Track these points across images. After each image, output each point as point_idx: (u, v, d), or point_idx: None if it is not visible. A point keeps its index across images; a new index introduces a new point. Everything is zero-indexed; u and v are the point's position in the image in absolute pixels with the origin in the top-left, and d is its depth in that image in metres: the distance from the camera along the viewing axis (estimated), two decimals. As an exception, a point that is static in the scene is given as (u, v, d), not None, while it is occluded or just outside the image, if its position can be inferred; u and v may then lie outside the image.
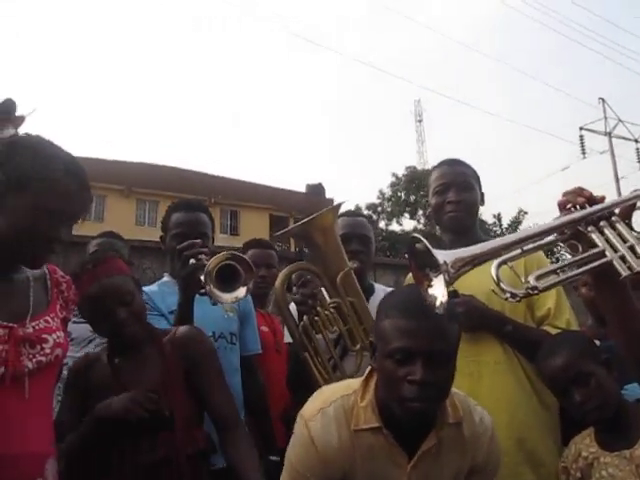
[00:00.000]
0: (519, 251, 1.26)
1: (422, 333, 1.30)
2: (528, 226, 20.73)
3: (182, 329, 1.78)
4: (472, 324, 1.82)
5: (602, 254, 1.24)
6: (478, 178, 2.11)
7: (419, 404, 1.29)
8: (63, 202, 1.28)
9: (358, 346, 1.85)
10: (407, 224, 24.39)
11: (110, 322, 1.63)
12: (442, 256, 1.18)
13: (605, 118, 20.09)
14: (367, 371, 1.48)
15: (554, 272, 1.27)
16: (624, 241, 1.24)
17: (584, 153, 20.76)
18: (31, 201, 1.25)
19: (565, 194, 1.32)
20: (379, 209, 24.52)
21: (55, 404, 1.57)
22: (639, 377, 1.50)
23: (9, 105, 1.64)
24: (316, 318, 1.82)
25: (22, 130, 1.50)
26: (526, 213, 22.25)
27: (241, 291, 1.75)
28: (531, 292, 1.23)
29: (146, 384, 1.61)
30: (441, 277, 1.17)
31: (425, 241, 1.25)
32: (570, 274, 1.27)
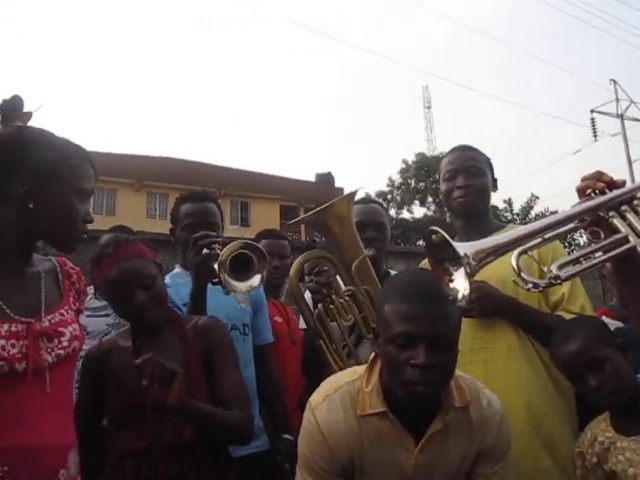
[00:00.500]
0: (539, 240, 1.24)
1: (424, 317, 1.31)
2: (540, 211, 20.62)
3: (205, 318, 1.80)
4: (485, 310, 1.82)
5: (625, 240, 1.21)
6: (490, 164, 2.10)
7: (422, 388, 1.30)
8: (87, 182, 1.37)
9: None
10: (417, 211, 24.32)
11: (130, 306, 1.65)
12: (462, 248, 1.17)
13: (617, 100, 19.86)
14: (371, 356, 1.49)
15: (576, 260, 1.25)
16: (647, 226, 1.20)
17: (595, 136, 20.55)
18: (67, 188, 1.30)
19: (584, 179, 1.29)
20: (389, 197, 24.43)
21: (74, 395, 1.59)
22: None
23: (16, 102, 1.66)
24: (331, 306, 1.83)
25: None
26: (537, 198, 22.09)
27: (255, 279, 1.76)
28: (554, 282, 1.20)
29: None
30: (462, 270, 1.16)
31: (444, 233, 1.24)
32: (592, 262, 1.23)
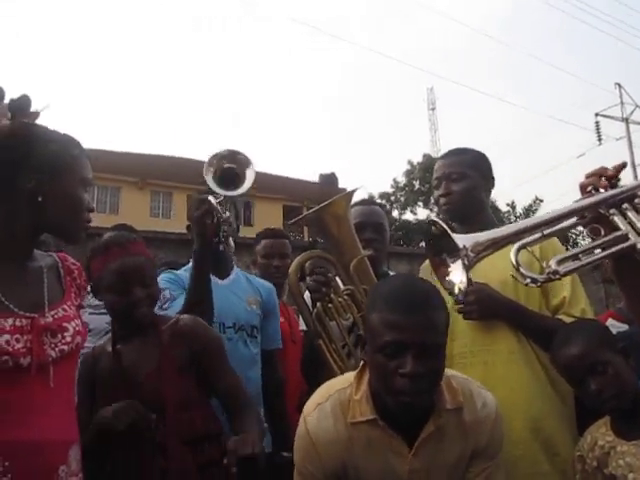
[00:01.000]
0: (539, 235, 1.24)
1: (411, 326, 1.29)
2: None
3: (185, 318, 1.81)
4: (485, 312, 1.80)
5: (625, 237, 1.21)
6: (478, 164, 2.05)
7: (411, 398, 1.29)
8: (88, 171, 1.40)
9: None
10: (421, 213, 24.29)
11: (126, 299, 1.67)
12: (461, 240, 1.16)
13: (622, 103, 19.81)
14: (361, 364, 1.49)
15: (575, 257, 1.25)
16: (648, 224, 1.20)
17: (600, 140, 20.49)
18: (72, 178, 1.33)
19: (588, 175, 1.29)
20: (392, 198, 24.41)
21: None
22: None
23: (24, 101, 1.66)
24: (329, 305, 1.82)
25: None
26: (542, 201, 22.04)
27: (243, 188, 1.91)
28: (552, 277, 1.21)
29: (143, 369, 1.66)
30: (459, 262, 1.16)
31: (444, 225, 1.24)
32: (591, 258, 1.24)
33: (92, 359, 1.76)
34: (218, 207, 1.94)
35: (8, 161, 1.28)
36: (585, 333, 1.61)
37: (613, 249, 1.23)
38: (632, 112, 19.84)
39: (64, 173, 1.32)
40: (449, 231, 1.18)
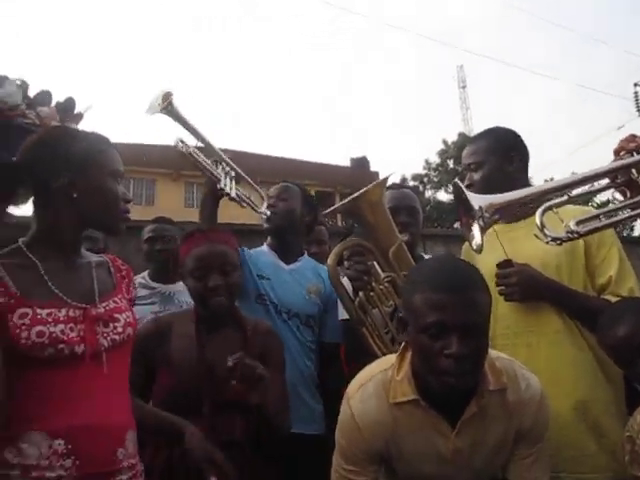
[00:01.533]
0: (566, 197, 1.25)
1: (455, 307, 1.29)
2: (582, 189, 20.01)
3: (264, 323, 1.89)
4: (527, 294, 1.78)
5: None
6: (496, 145, 2.01)
7: (455, 379, 1.29)
8: (117, 164, 1.44)
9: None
10: (455, 193, 23.94)
11: (203, 285, 1.70)
12: (477, 201, 1.18)
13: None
14: (402, 345, 1.50)
15: (597, 217, 1.26)
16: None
17: (639, 110, 19.75)
18: (102, 172, 1.38)
19: (621, 141, 1.31)
20: (425, 179, 24.14)
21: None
22: None
23: (70, 103, 1.71)
24: (371, 293, 1.83)
25: (81, 126, 1.57)
26: (580, 175, 21.45)
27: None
28: (571, 236, 1.24)
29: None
30: (476, 223, 1.17)
31: (463, 187, 1.25)
32: (613, 219, 1.26)
33: (157, 331, 1.76)
34: (181, 143, 2.14)
35: (42, 164, 1.34)
36: (633, 312, 1.58)
37: (637, 211, 1.25)
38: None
39: (92, 168, 1.37)
40: (466, 193, 1.19)
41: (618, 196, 1.40)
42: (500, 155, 2.00)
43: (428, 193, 23.49)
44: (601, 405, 1.76)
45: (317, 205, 2.59)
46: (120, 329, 1.35)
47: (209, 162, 2.08)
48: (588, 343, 1.79)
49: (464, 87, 31.01)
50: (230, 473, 1.50)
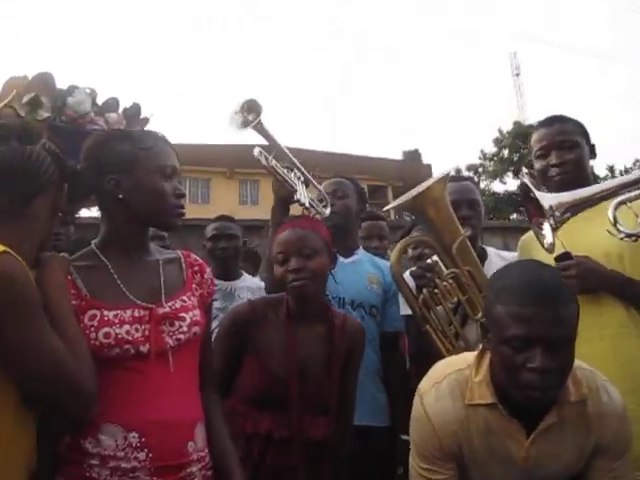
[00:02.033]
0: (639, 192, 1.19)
1: (540, 320, 1.24)
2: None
3: (353, 320, 1.89)
4: (588, 286, 1.72)
5: None
6: (584, 131, 1.97)
7: (539, 393, 1.26)
8: (163, 159, 1.41)
9: (479, 314, 1.82)
10: (511, 183, 23.34)
11: (284, 270, 1.70)
12: (547, 200, 1.14)
13: None
14: (480, 346, 1.46)
15: None
16: None
17: None
18: (146, 169, 1.38)
19: None
20: (480, 170, 23.63)
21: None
22: None
23: (136, 109, 1.77)
24: (435, 290, 1.82)
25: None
26: (644, 163, 20.48)
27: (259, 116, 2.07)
28: None
29: (315, 363, 1.71)
30: (547, 223, 1.14)
31: (531, 186, 1.21)
32: None
33: (252, 316, 1.76)
34: (262, 157, 2.06)
35: (91, 169, 1.38)
36: None
37: None
38: None
39: (136, 167, 1.37)
40: (535, 192, 1.16)
41: None
42: (587, 143, 1.96)
43: (483, 184, 22.97)
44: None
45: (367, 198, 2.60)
46: (185, 328, 1.36)
47: (285, 172, 2.07)
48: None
49: (518, 74, 30.15)
50: None
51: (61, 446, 1.26)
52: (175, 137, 1.50)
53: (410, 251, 1.96)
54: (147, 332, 1.30)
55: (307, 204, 2.07)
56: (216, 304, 2.71)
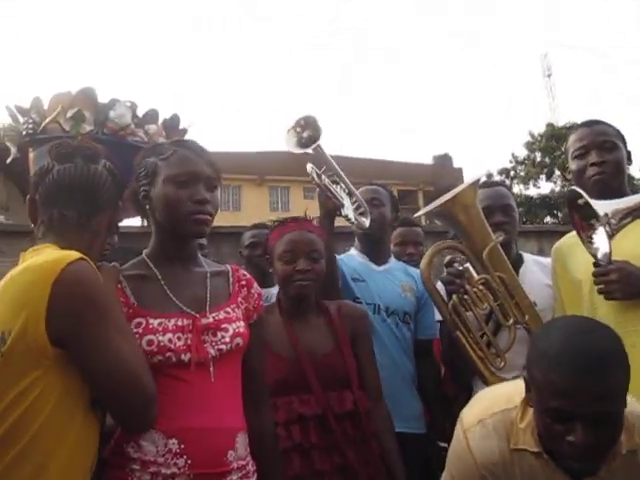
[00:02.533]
0: None
1: (582, 395, 1.13)
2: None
3: (348, 305, 1.94)
4: (630, 292, 1.68)
5: None
6: (622, 137, 1.96)
7: (581, 465, 1.21)
8: (179, 167, 1.39)
9: (511, 321, 1.84)
10: (544, 187, 22.91)
11: (291, 268, 1.78)
12: (602, 208, 1.12)
13: None
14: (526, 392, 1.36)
15: None
16: None
17: None
18: (162, 179, 1.39)
19: None
20: (512, 173, 23.27)
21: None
22: None
23: (175, 120, 1.84)
24: (465, 296, 1.82)
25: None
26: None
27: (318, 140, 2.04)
28: None
29: (322, 347, 1.78)
30: (602, 230, 1.12)
31: (585, 194, 1.17)
32: None
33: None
34: (315, 175, 2.06)
35: (133, 182, 1.44)
36: None
37: None
38: None
39: (155, 178, 1.40)
40: (588, 199, 1.14)
41: None
42: (624, 148, 1.96)
43: (516, 188, 22.60)
44: None
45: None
46: (227, 339, 1.37)
47: (333, 186, 2.09)
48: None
49: (549, 75, 29.68)
50: None
51: (106, 450, 1.29)
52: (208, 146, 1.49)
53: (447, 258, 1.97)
54: (189, 341, 1.32)
55: (353, 219, 2.09)
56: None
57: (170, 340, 1.31)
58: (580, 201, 1.20)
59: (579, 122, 2.09)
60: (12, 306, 1.14)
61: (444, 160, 24.39)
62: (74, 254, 1.18)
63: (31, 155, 2.25)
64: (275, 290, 2.90)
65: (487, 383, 1.80)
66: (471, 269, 1.87)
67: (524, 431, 1.32)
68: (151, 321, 1.32)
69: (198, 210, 1.38)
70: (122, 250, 2.06)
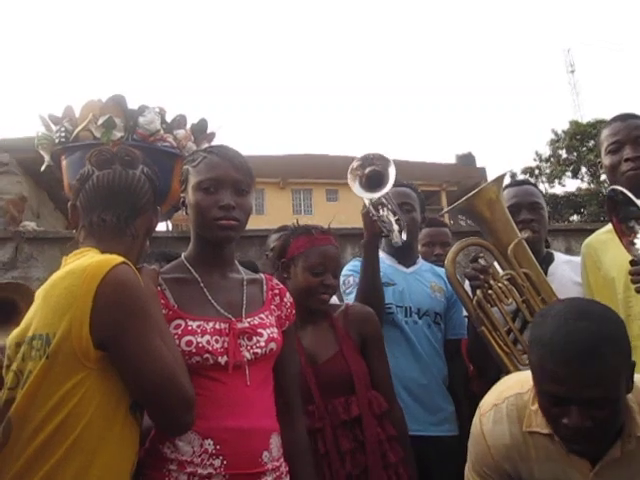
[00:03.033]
0: None
1: (573, 381, 1.15)
2: None
3: (356, 305, 1.96)
4: None
5: None
6: None
7: (580, 447, 1.22)
8: (204, 174, 1.43)
9: (536, 318, 1.83)
10: (569, 184, 22.53)
11: (319, 281, 1.80)
12: None
13: None
14: None
15: None
16: None
17: None
18: (191, 187, 1.44)
19: None
20: (536, 172, 22.95)
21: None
22: None
23: (203, 124, 1.89)
24: (489, 291, 1.82)
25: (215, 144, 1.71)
26: None
27: (388, 185, 2.04)
28: None
29: (325, 351, 1.80)
30: None
31: (627, 192, 1.15)
32: None
33: None
34: (371, 208, 2.08)
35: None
36: None
37: None
38: None
39: (187, 184, 1.46)
40: (633, 198, 1.12)
41: None
42: None
43: (541, 186, 22.28)
44: None
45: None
46: (262, 343, 1.40)
47: (381, 212, 2.10)
48: None
49: (573, 71, 29.22)
50: None
51: (141, 451, 1.30)
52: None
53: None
54: (226, 344, 1.35)
55: (400, 244, 2.11)
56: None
57: (208, 342, 1.34)
58: (619, 197, 1.17)
59: (607, 118, 2.05)
60: (56, 309, 1.17)
61: (467, 159, 24.17)
62: (117, 258, 1.21)
63: (64, 163, 2.33)
64: None
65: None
66: (496, 265, 1.88)
67: (536, 413, 1.33)
68: (190, 323, 1.35)
69: (223, 216, 1.40)
70: (155, 254, 2.12)
